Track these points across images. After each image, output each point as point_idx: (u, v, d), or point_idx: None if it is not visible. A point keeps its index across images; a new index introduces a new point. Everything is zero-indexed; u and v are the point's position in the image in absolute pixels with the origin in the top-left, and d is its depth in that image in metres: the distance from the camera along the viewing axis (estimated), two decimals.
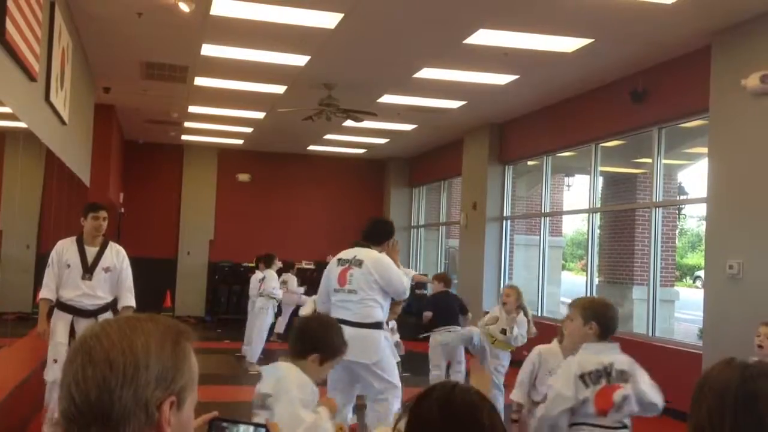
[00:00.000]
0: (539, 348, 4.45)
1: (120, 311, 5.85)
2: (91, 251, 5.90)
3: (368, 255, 5.36)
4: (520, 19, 7.04)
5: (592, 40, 7.50)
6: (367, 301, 5.24)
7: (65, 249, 5.87)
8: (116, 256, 5.98)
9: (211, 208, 16.15)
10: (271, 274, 10.67)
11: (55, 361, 5.64)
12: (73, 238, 5.95)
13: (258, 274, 10.77)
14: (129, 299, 5.98)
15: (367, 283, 5.25)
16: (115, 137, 12.81)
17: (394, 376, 5.27)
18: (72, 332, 5.73)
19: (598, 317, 3.48)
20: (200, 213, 16.01)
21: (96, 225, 5.88)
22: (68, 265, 5.81)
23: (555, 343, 4.47)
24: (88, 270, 5.85)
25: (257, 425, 1.45)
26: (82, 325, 5.62)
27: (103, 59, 9.22)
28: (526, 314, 6.88)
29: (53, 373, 5.57)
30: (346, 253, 5.42)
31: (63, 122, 7.34)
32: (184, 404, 1.22)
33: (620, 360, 3.44)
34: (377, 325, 5.22)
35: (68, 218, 8.90)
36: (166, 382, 1.19)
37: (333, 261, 5.49)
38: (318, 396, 3.15)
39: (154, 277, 14.59)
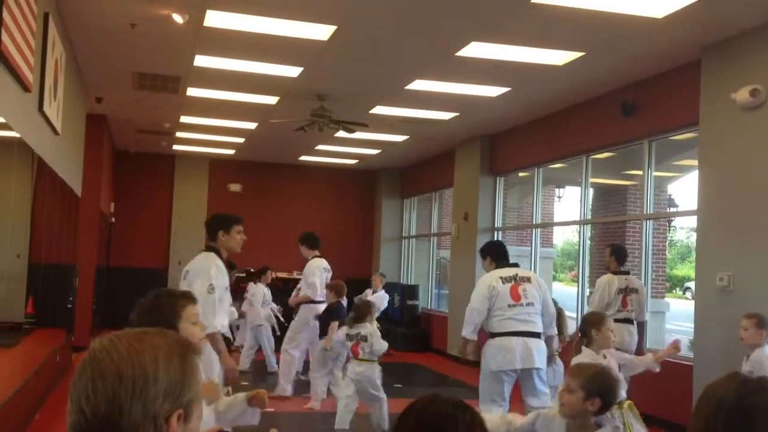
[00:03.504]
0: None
1: None
2: None
3: (528, 272, 6.04)
4: (511, 33, 7.08)
5: (583, 53, 7.55)
6: (539, 315, 5.91)
7: (221, 268, 4.93)
8: None
9: (202, 218, 15.97)
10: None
11: None
12: (213, 254, 5.04)
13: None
14: None
15: (538, 296, 5.89)
16: (107, 147, 12.80)
17: None
18: None
19: (603, 392, 3.12)
20: (192, 223, 15.91)
21: (242, 240, 5.19)
22: (226, 288, 4.98)
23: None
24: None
25: None
26: None
27: (96, 69, 9.22)
28: None
29: None
30: (505, 272, 5.92)
31: (56, 132, 7.33)
32: (191, 417, 1.24)
33: None
34: None
35: (60, 228, 8.89)
36: (174, 395, 1.20)
37: (491, 278, 5.87)
38: None
39: (144, 288, 14.47)
